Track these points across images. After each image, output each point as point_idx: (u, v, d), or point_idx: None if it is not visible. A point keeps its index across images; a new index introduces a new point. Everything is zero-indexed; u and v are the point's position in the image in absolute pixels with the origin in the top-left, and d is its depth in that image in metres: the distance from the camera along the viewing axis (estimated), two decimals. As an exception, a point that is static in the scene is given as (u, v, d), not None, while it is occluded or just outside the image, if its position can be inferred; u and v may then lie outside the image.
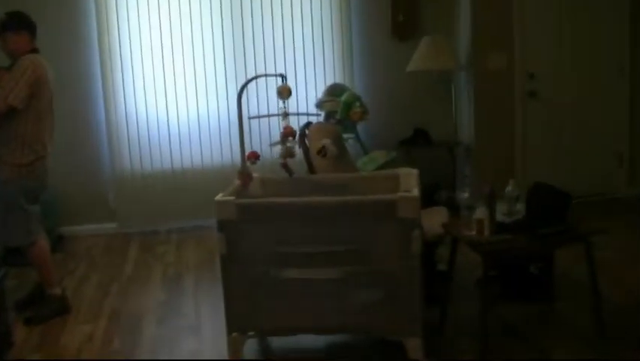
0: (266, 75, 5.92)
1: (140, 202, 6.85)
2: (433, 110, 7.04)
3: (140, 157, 6.82)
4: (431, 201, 5.14)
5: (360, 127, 6.50)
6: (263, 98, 6.70)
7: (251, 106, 6.64)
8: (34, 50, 4.63)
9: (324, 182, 4.31)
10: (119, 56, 6.65)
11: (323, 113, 6.19)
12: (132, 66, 6.70)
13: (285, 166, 4.02)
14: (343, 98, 6.17)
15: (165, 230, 6.86)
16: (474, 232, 3.81)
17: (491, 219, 3.79)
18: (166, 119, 6.81)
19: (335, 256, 3.58)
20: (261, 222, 3.65)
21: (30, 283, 5.11)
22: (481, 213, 3.79)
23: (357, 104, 6.12)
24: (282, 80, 3.89)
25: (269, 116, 5.93)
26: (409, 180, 4.08)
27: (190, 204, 6.78)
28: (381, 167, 5.86)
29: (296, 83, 6.69)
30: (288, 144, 3.88)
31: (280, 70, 6.66)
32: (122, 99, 6.69)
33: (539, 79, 6.77)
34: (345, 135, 5.69)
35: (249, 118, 5.77)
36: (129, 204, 6.85)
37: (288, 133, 3.84)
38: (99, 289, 5.33)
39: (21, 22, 4.60)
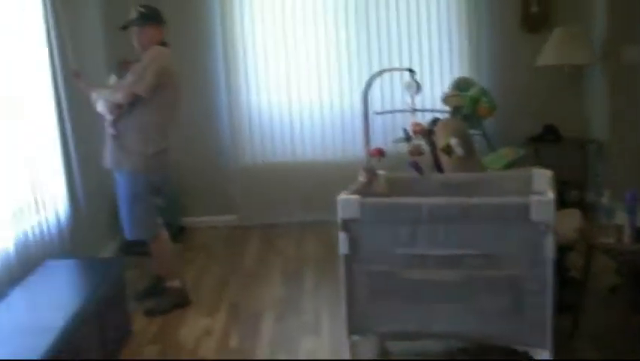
0: (394, 69, 5.78)
1: (261, 195, 6.85)
2: (564, 105, 6.73)
3: (262, 150, 6.84)
4: (561, 200, 4.90)
5: (486, 123, 6.27)
6: (387, 93, 6.57)
7: (374, 100, 6.49)
8: (164, 44, 4.71)
9: (451, 181, 4.15)
10: (242, 50, 6.70)
11: (449, 108, 6.01)
12: (255, 59, 6.72)
13: (415, 165, 3.87)
14: (470, 93, 5.97)
15: (285, 223, 6.83)
16: (612, 239, 3.57)
17: (632, 225, 3.55)
18: (288, 111, 6.79)
19: (462, 258, 3.43)
20: (386, 222, 3.53)
21: (149, 274, 5.18)
22: (620, 218, 3.55)
23: (485, 99, 5.91)
24: (411, 75, 3.75)
25: (396, 112, 5.78)
26: (542, 181, 3.88)
27: (310, 197, 6.73)
28: (509, 165, 5.64)
29: (422, 79, 6.48)
30: (416, 142, 3.73)
31: (405, 63, 6.53)
32: (245, 92, 6.71)
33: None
34: (471, 131, 5.49)
35: (375, 113, 5.62)
36: (250, 197, 6.87)
37: (418, 131, 3.70)
38: (218, 282, 5.36)
39: (157, 16, 4.71)
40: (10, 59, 4.30)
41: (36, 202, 4.52)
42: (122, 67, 4.75)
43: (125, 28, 4.66)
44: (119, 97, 4.49)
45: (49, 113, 4.83)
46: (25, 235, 4.34)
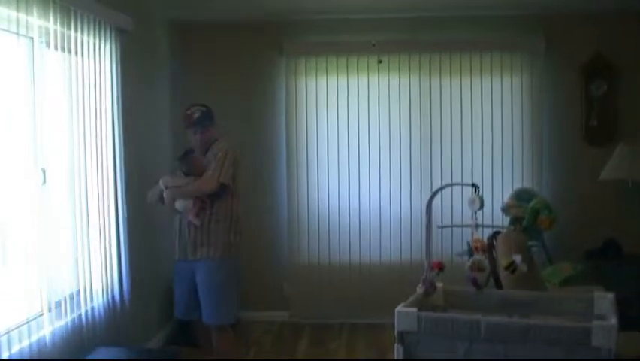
0: (457, 184, 5.81)
1: (315, 294, 6.85)
2: (626, 220, 6.62)
3: (318, 249, 6.87)
4: (621, 320, 4.77)
5: (546, 235, 6.21)
6: (447, 203, 6.53)
7: (435, 210, 6.42)
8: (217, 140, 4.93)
9: (510, 298, 4.07)
10: (305, 150, 6.84)
11: (508, 219, 5.97)
12: (317, 162, 6.86)
13: (474, 280, 3.83)
14: (531, 204, 5.93)
15: (337, 324, 6.77)
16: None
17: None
18: (347, 214, 6.85)
19: (519, 380, 3.34)
20: (443, 337, 3.47)
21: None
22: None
23: (546, 212, 5.86)
24: (475, 190, 3.75)
25: (459, 226, 5.78)
26: (605, 304, 3.79)
27: (364, 300, 6.71)
28: (567, 280, 5.54)
29: (482, 188, 6.42)
30: (477, 257, 3.70)
31: (467, 174, 6.58)
32: (305, 193, 6.83)
33: None
34: (530, 243, 5.43)
35: (439, 227, 5.62)
36: (303, 295, 6.87)
37: (479, 248, 3.67)
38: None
39: (214, 117, 4.92)
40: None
41: (92, 287, 4.62)
42: (190, 161, 4.86)
43: (194, 126, 4.81)
44: (211, 187, 4.67)
45: (106, 201, 4.92)
46: (80, 319, 4.42)
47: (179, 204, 4.73)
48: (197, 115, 4.80)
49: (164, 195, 4.76)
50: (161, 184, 4.81)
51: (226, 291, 4.82)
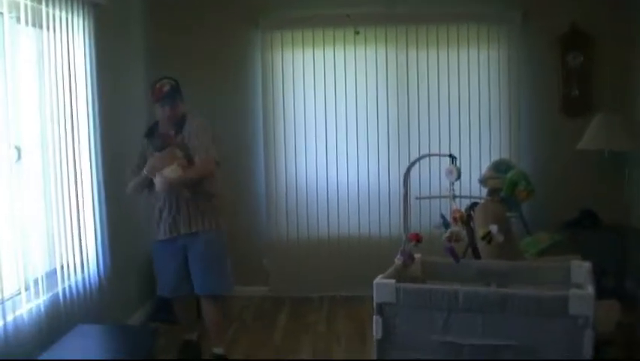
0: (434, 155, 5.79)
1: (294, 268, 6.86)
2: (603, 191, 6.66)
3: (298, 223, 6.86)
4: (598, 288, 4.81)
5: (524, 206, 6.22)
6: (425, 175, 6.56)
7: (413, 183, 6.39)
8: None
9: (488, 268, 4.10)
10: (282, 124, 6.82)
11: (486, 190, 5.98)
12: (295, 135, 6.84)
13: (451, 251, 3.83)
14: (509, 175, 5.92)
15: (317, 297, 6.79)
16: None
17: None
18: (325, 187, 6.85)
19: (497, 350, 3.36)
20: (421, 307, 3.49)
21: (177, 343, 5.19)
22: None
23: (524, 183, 5.85)
24: (452, 161, 3.75)
25: (437, 197, 5.78)
26: (581, 273, 3.82)
27: (344, 273, 6.72)
28: (545, 250, 5.59)
29: (460, 160, 6.42)
30: (455, 228, 3.71)
31: (444, 146, 6.58)
32: (283, 168, 6.80)
33: None
34: (508, 214, 5.45)
35: (416, 198, 5.61)
36: (283, 270, 6.87)
37: (457, 218, 3.67)
38: (247, 356, 5.30)
39: (181, 90, 4.85)
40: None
41: (68, 265, 4.59)
42: (161, 138, 4.71)
43: (164, 99, 4.72)
44: (212, 169, 4.76)
45: (81, 179, 4.88)
46: (57, 297, 4.40)
47: (168, 184, 4.60)
48: (167, 88, 4.71)
49: (161, 184, 4.59)
50: (146, 173, 4.66)
51: (225, 261, 4.93)
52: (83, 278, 4.80)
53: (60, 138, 4.55)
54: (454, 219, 3.70)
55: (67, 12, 4.65)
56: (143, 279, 6.03)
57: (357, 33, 6.69)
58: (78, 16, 4.81)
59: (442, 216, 3.89)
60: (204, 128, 4.76)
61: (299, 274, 6.87)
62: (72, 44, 4.75)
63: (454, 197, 3.73)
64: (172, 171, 4.55)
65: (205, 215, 4.77)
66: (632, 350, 3.68)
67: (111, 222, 5.24)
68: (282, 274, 6.89)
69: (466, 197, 4.59)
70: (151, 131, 4.87)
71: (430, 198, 6.07)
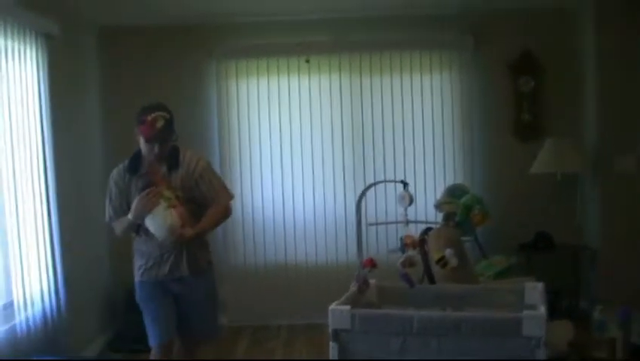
0: (387, 181, 5.83)
1: (252, 296, 6.82)
2: (556, 213, 6.76)
3: (255, 252, 6.86)
4: (553, 309, 4.88)
5: (479, 230, 6.30)
6: (381, 201, 6.60)
7: (369, 210, 6.46)
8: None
9: (443, 292, 4.12)
10: (238, 151, 6.83)
11: (441, 215, 6.04)
12: (251, 163, 6.85)
13: (406, 277, 3.86)
14: (463, 200, 6.01)
15: (275, 326, 6.77)
16: (605, 354, 3.55)
17: (625, 340, 3.53)
18: (282, 215, 6.85)
19: (453, 372, 3.39)
20: (376, 333, 3.50)
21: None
22: (613, 332, 3.53)
23: (478, 207, 5.95)
24: (404, 187, 3.78)
25: (389, 223, 5.82)
26: (534, 295, 3.86)
27: (302, 301, 6.71)
28: (501, 273, 5.64)
29: (415, 186, 6.55)
30: (409, 253, 3.74)
31: (400, 171, 6.64)
32: (240, 195, 6.74)
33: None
34: (463, 238, 5.50)
35: (368, 225, 5.64)
36: (241, 298, 6.83)
37: (409, 243, 3.71)
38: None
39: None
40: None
41: (25, 297, 4.53)
42: (148, 178, 4.09)
43: (155, 139, 4.00)
44: (229, 212, 4.38)
45: (38, 210, 4.84)
46: (14, 329, 4.36)
47: (167, 230, 3.95)
48: (160, 125, 3.96)
49: (164, 235, 3.96)
50: (132, 219, 4.03)
51: (218, 301, 4.57)
52: (41, 309, 4.76)
53: (15, 169, 4.51)
54: (407, 244, 3.73)
55: (18, 43, 4.63)
56: (103, 307, 5.98)
57: (307, 61, 6.75)
58: (30, 47, 4.79)
59: (400, 240, 3.92)
60: (207, 168, 4.24)
61: (256, 302, 6.83)
62: (25, 74, 4.73)
63: (408, 222, 3.77)
64: (169, 219, 3.93)
65: (202, 253, 4.30)
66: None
67: (69, 252, 5.20)
68: (240, 304, 6.85)
69: (419, 222, 4.63)
70: (134, 166, 4.16)
71: (381, 223, 6.12)
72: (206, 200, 4.20)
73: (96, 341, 5.99)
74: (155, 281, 4.19)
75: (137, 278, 4.25)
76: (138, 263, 4.25)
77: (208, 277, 4.37)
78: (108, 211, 4.20)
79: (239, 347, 6.17)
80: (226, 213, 4.34)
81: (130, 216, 4.02)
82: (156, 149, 4.01)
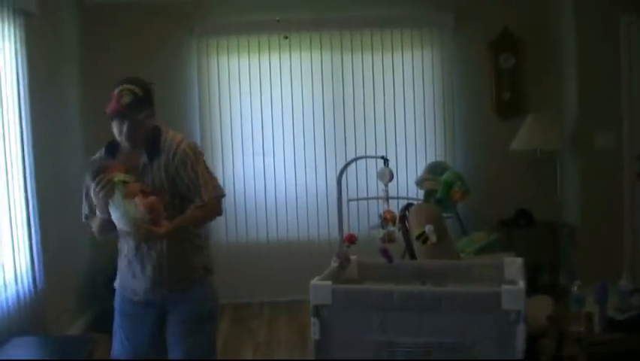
0: (367, 157, 5.83)
1: (234, 273, 6.80)
2: (537, 190, 6.80)
3: (236, 229, 6.86)
4: (533, 285, 4.93)
5: (460, 206, 6.34)
6: (362, 178, 6.63)
7: (350, 186, 6.52)
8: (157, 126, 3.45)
9: (423, 268, 4.15)
10: (219, 131, 6.83)
11: (423, 192, 6.08)
12: (232, 141, 6.85)
13: (385, 252, 3.88)
14: (444, 177, 6.05)
15: (258, 303, 6.80)
16: (582, 328, 3.59)
17: (602, 314, 3.57)
18: (263, 192, 6.86)
19: (433, 347, 3.41)
20: (357, 308, 3.52)
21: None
22: (590, 307, 3.57)
23: (459, 183, 5.98)
24: (384, 163, 3.79)
25: (369, 199, 5.83)
26: (514, 269, 3.89)
27: (284, 278, 6.70)
28: (481, 249, 5.69)
29: (396, 163, 6.54)
30: (389, 229, 3.75)
31: (381, 148, 6.64)
32: (221, 174, 6.71)
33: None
34: (444, 215, 5.54)
35: (349, 200, 5.66)
36: (223, 275, 6.78)
37: (388, 218, 3.72)
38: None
39: (152, 97, 3.40)
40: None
41: (2, 278, 4.50)
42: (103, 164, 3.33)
43: (118, 114, 3.23)
44: (219, 209, 3.53)
45: (16, 192, 4.79)
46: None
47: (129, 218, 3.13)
48: (127, 100, 3.21)
49: (135, 232, 3.12)
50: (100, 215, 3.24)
51: (217, 323, 3.91)
52: (19, 289, 4.72)
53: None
54: (385, 219, 3.75)
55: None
56: (82, 289, 5.96)
57: (285, 38, 6.73)
58: (7, 24, 4.74)
59: (380, 216, 3.94)
60: (190, 154, 3.36)
61: (238, 280, 6.82)
62: (2, 52, 4.67)
63: (388, 198, 3.78)
64: (131, 211, 3.12)
65: (194, 265, 3.54)
66: (561, 343, 3.77)
67: (47, 233, 5.14)
68: (221, 281, 6.82)
69: (400, 198, 4.66)
70: (111, 154, 3.42)
71: (363, 199, 6.12)
72: (190, 193, 3.39)
73: (78, 321, 5.98)
74: (135, 300, 3.47)
75: (116, 283, 3.57)
76: (119, 265, 3.54)
77: (204, 290, 3.64)
78: (84, 209, 3.46)
79: (221, 326, 6.14)
80: (211, 211, 3.48)
81: (98, 212, 3.26)
82: (125, 128, 3.23)
